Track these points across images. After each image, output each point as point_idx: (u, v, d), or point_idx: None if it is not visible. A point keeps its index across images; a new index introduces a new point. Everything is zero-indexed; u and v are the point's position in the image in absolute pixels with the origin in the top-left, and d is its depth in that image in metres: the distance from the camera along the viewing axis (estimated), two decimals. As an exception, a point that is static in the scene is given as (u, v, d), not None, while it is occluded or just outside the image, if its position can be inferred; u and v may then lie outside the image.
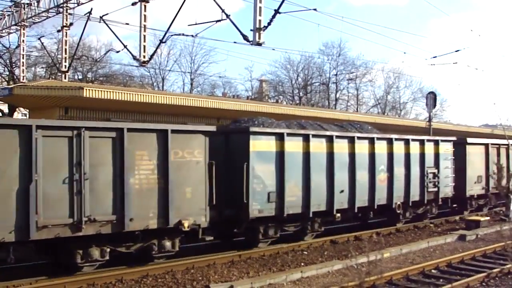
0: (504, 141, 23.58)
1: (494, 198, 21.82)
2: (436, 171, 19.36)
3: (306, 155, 14.93)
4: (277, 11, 16.14)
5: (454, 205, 21.63)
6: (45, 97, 22.76)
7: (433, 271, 12.33)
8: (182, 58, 56.72)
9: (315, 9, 19.03)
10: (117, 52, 30.63)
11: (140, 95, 24.23)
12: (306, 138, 15.02)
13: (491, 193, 22.29)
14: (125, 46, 22.75)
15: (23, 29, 26.64)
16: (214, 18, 19.04)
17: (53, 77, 39.63)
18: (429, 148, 19.27)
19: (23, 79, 28.28)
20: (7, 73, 40.40)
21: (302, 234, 15.64)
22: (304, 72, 62.32)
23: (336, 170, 15.66)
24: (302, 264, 13.13)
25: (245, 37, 16.67)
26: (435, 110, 47.51)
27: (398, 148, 17.92)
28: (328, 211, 15.62)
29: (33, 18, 25.24)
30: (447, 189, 20.05)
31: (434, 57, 30.04)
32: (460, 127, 45.33)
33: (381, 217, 18.76)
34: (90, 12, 22.62)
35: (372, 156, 16.88)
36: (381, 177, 17.19)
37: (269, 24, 16.07)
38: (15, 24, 26.18)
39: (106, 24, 22.19)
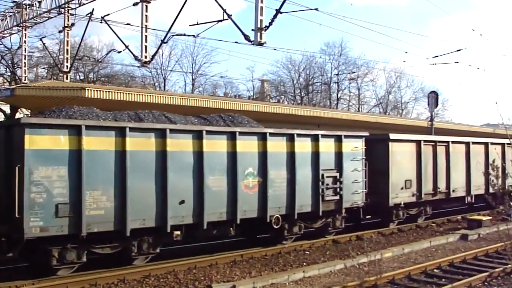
0: (445, 138, 20.95)
1: (428, 207, 19.82)
2: (337, 174, 15.75)
3: (122, 154, 11.62)
4: (278, 11, 16.15)
5: (368, 216, 17.72)
6: (47, 97, 22.79)
7: (435, 270, 12.31)
8: (183, 58, 56.88)
9: (316, 9, 19.05)
10: (119, 52, 30.58)
11: (142, 95, 24.24)
12: (121, 133, 11.67)
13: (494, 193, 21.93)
14: (126, 47, 22.77)
15: (25, 30, 26.69)
16: (215, 18, 19.03)
17: (55, 77, 39.72)
18: (327, 145, 15.65)
19: (25, 80, 28.33)
20: (9, 73, 40.49)
21: (125, 257, 12.29)
22: (305, 72, 62.44)
23: (173, 175, 12.26)
24: (304, 264, 13.13)
25: (246, 37, 16.67)
26: (437, 109, 47.44)
27: (276, 145, 14.35)
28: (159, 227, 12.22)
29: (35, 18, 25.28)
30: (355, 197, 16.37)
31: (435, 56, 29.97)
32: (462, 126, 45.28)
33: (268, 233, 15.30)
34: (91, 13, 22.68)
35: (233, 155, 13.37)
36: (248, 182, 13.70)
37: (270, 24, 16.07)
38: (17, 25, 26.23)
39: (108, 25, 22.23)
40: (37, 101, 23.86)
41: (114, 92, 23.25)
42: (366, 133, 17.27)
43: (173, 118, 13.63)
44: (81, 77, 46.41)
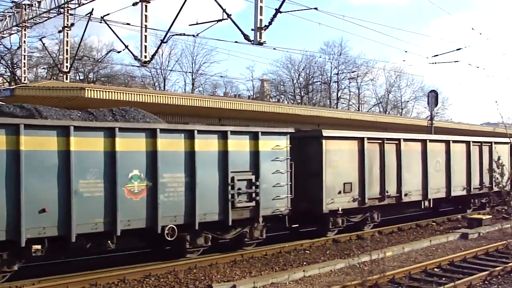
0: (395, 135, 18.75)
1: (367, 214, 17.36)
2: (253, 177, 13.71)
3: None
4: (278, 11, 16.13)
5: (295, 225, 15.50)
6: (46, 97, 22.77)
7: (435, 269, 12.32)
8: (183, 58, 56.93)
9: (316, 8, 18.98)
10: (118, 52, 30.60)
11: (142, 95, 24.22)
12: None
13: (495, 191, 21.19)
14: (126, 47, 22.73)
15: (24, 30, 26.67)
16: (215, 18, 18.99)
17: (55, 77, 39.72)
18: (239, 144, 13.56)
19: (24, 80, 28.29)
20: (9, 74, 40.52)
21: None
22: (305, 72, 62.48)
23: (30, 178, 10.35)
24: (305, 263, 13.13)
25: (246, 37, 16.66)
26: (437, 108, 47.51)
27: (171, 144, 12.38)
28: (12, 241, 10.29)
29: (34, 19, 25.26)
30: (277, 203, 14.25)
31: (435, 55, 29.75)
32: (462, 125, 45.27)
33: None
34: (91, 13, 22.62)
35: (112, 156, 11.40)
36: (133, 187, 11.75)
37: (270, 23, 16.05)
38: (16, 25, 26.21)
39: (107, 25, 22.19)
40: (36, 101, 23.81)
41: (114, 92, 23.24)
42: (291, 129, 15.07)
43: (46, 111, 11.95)
44: (81, 77, 46.47)
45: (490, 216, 19.71)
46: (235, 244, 14.17)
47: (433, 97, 30.41)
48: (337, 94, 63.10)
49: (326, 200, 15.57)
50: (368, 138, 17.12)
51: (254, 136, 13.94)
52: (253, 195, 13.76)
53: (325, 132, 15.92)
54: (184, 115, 26.45)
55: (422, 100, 66.27)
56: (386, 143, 17.66)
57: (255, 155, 13.89)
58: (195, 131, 12.75)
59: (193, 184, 12.65)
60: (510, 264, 12.22)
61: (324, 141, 15.64)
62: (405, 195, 18.21)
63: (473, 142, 21.89)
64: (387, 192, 17.52)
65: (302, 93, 62.51)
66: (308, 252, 14.61)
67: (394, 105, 69.34)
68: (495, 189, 18.64)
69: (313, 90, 63.58)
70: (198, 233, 13.10)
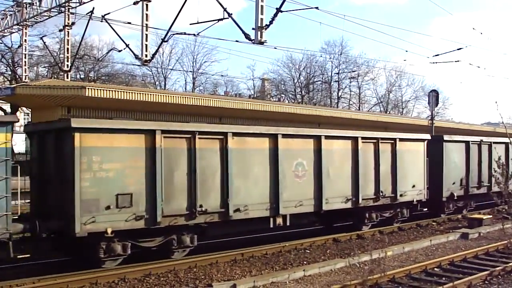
0: (220, 128, 13.99)
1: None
2: None
3: None
4: (279, 10, 16.15)
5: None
6: (47, 96, 22.81)
7: (435, 269, 12.31)
8: (184, 57, 57.04)
9: (317, 8, 19.01)
10: (119, 51, 30.77)
11: (142, 94, 24.26)
12: None
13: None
14: (127, 45, 22.78)
15: (25, 29, 26.72)
16: (216, 17, 19.03)
17: (55, 76, 39.79)
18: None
19: (25, 79, 28.35)
20: (10, 72, 40.56)
21: None
22: (306, 71, 62.52)
23: None
24: (305, 262, 13.11)
25: (247, 36, 16.68)
26: (437, 108, 47.52)
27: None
28: None
29: (35, 17, 25.32)
30: None
31: (436, 55, 29.80)
32: (462, 125, 45.28)
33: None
34: (92, 12, 22.68)
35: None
36: None
37: (271, 22, 16.07)
38: (17, 24, 26.28)
39: (108, 24, 22.24)
40: (37, 100, 23.88)
41: (115, 91, 23.27)
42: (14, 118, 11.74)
43: None
44: (82, 76, 46.49)
45: (491, 216, 19.69)
46: None
47: (434, 97, 30.42)
48: (338, 94, 63.14)
49: (81, 218, 11.03)
50: (165, 131, 12.35)
51: None
52: None
53: (75, 123, 11.19)
54: (185, 114, 26.49)
55: (422, 99, 66.44)
56: (200, 138, 12.84)
57: None
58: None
59: None
60: (510, 264, 12.21)
61: (76, 136, 11.07)
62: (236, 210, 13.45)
63: (363, 138, 16.72)
64: (201, 206, 12.76)
65: (302, 92, 62.54)
66: (308, 251, 14.60)
67: (394, 105, 69.39)
68: (495, 189, 18.40)
69: (313, 89, 63.61)
70: None
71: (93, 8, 22.68)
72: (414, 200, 18.58)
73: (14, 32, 28.63)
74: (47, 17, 25.22)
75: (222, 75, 55.14)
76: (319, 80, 63.32)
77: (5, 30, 27.57)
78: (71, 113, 23.40)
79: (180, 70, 56.07)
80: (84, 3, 23.15)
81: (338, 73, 61.57)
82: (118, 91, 23.43)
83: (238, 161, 13.53)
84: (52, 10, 24.19)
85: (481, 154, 21.98)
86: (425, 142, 19.21)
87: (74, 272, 11.42)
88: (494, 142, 22.63)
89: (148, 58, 21.05)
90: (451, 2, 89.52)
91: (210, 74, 56.61)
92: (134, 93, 23.96)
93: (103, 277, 11.21)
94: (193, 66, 56.20)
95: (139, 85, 50.38)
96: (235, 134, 13.50)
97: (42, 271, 11.43)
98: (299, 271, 11.85)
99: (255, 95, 60.36)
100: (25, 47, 27.94)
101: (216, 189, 13.18)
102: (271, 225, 14.50)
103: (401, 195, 17.89)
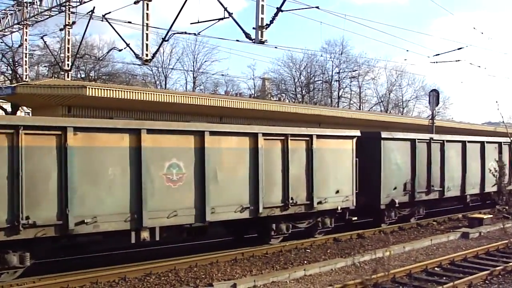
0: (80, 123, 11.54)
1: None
2: None
3: None
4: (279, 9, 16.14)
5: None
6: (48, 95, 22.79)
7: (436, 269, 12.32)
8: (184, 57, 57.04)
9: (317, 7, 18.98)
10: (120, 50, 30.64)
11: (143, 93, 24.24)
12: None
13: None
14: (127, 45, 22.78)
15: (26, 28, 26.71)
16: (216, 16, 19.02)
17: (56, 76, 39.77)
18: None
19: (26, 78, 28.35)
20: (10, 72, 40.56)
21: None
22: (306, 70, 62.41)
23: None
24: (305, 262, 13.12)
25: (247, 35, 16.67)
26: (438, 108, 47.49)
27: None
28: None
29: (36, 17, 25.32)
30: None
31: (436, 55, 29.75)
32: (463, 124, 45.24)
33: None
34: (92, 11, 22.67)
35: None
36: None
37: (271, 22, 16.06)
38: (18, 23, 26.28)
39: (109, 23, 22.23)
40: (38, 99, 23.87)
41: (115, 90, 23.25)
42: None
43: None
44: (82, 75, 46.44)
45: (491, 216, 19.69)
46: None
47: (435, 97, 30.44)
48: (338, 93, 63.05)
49: None
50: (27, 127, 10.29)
51: None
52: None
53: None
54: (185, 114, 26.47)
55: (423, 99, 66.32)
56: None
57: None
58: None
59: None
60: (511, 264, 12.21)
61: None
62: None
63: (265, 135, 14.02)
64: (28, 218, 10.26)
65: (303, 91, 62.48)
66: (309, 251, 14.61)
67: (395, 104, 69.31)
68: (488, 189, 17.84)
69: (314, 89, 63.51)
70: None
71: (94, 7, 22.69)
72: (339, 208, 15.64)
73: (14, 32, 28.64)
74: (48, 16, 25.22)
75: (222, 75, 55.08)
76: (320, 80, 63.29)
77: (6, 30, 27.57)
78: (71, 112, 23.40)
79: (180, 70, 56.09)
80: (85, 2, 23.15)
81: (338, 73, 61.52)
82: (118, 90, 23.41)
83: (84, 163, 11.00)
84: (52, 9, 24.19)
85: (431, 155, 19.32)
86: (354, 139, 16.18)
87: (74, 272, 11.43)
88: (448, 141, 20.24)
89: (149, 57, 21.04)
90: (451, 2, 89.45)
91: (211, 73, 56.61)
92: (135, 92, 23.94)
93: (103, 276, 11.22)
94: (193, 66, 56.19)
95: (140, 85, 50.34)
96: (77, 129, 10.89)
97: (42, 271, 11.43)
98: (299, 271, 11.86)
99: (255, 95, 60.29)
100: (26, 46, 27.91)
101: (50, 196, 10.62)
102: (133, 240, 11.77)
103: (319, 203, 15.01)
